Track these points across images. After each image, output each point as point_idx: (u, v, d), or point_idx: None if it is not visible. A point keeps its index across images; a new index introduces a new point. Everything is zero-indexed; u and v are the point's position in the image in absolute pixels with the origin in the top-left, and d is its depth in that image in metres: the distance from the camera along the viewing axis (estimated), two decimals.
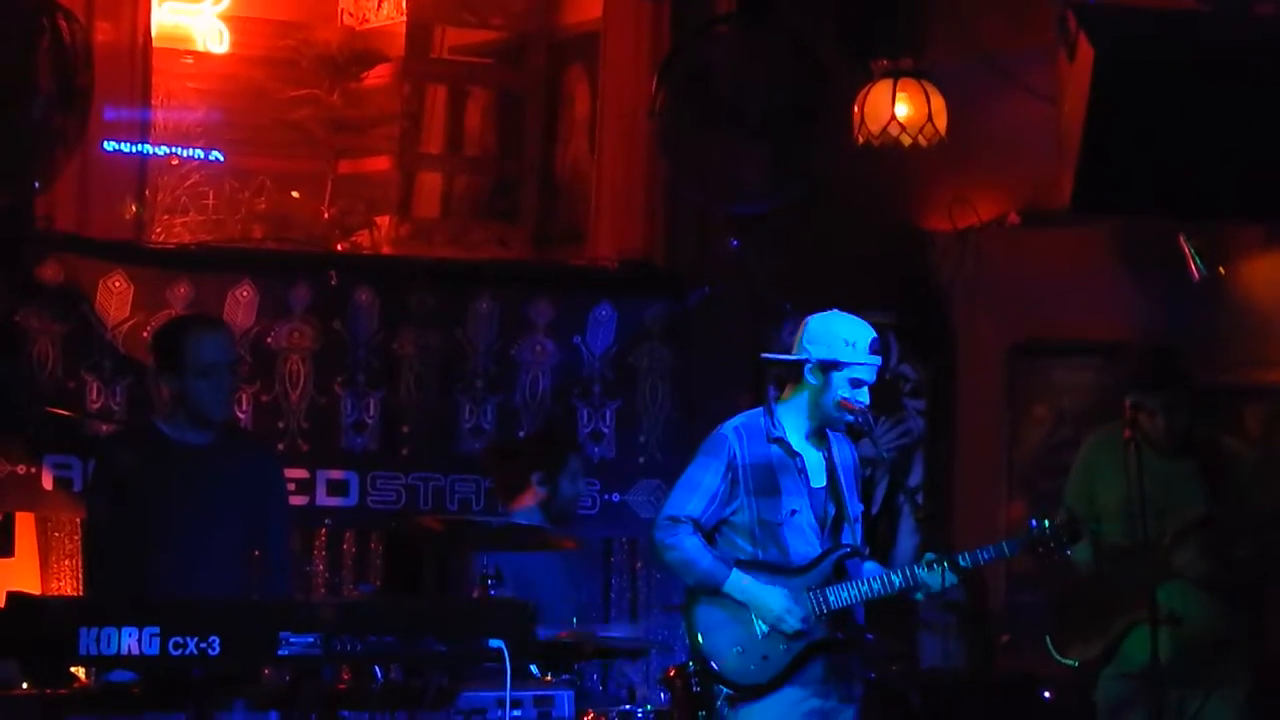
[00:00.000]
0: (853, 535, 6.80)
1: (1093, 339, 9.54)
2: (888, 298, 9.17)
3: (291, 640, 5.52)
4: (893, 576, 6.73)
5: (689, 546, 6.72)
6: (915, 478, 9.96)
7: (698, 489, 6.77)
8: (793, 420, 6.83)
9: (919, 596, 6.84)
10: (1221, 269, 8.65)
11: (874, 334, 6.78)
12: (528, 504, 8.13)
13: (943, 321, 10.03)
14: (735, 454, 6.77)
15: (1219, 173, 7.55)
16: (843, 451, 6.88)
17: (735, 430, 6.84)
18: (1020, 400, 9.84)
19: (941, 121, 9.15)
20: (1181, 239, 8.38)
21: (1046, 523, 6.94)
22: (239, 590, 6.73)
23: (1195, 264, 8.40)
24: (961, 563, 6.71)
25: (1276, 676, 7.82)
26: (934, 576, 6.67)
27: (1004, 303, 9.80)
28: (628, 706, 7.27)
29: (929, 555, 6.71)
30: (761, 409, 6.91)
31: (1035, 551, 6.94)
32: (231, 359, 6.91)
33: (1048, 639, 7.79)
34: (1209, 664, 7.57)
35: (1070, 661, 7.77)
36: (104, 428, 8.28)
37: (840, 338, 6.73)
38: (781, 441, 6.80)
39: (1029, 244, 9.67)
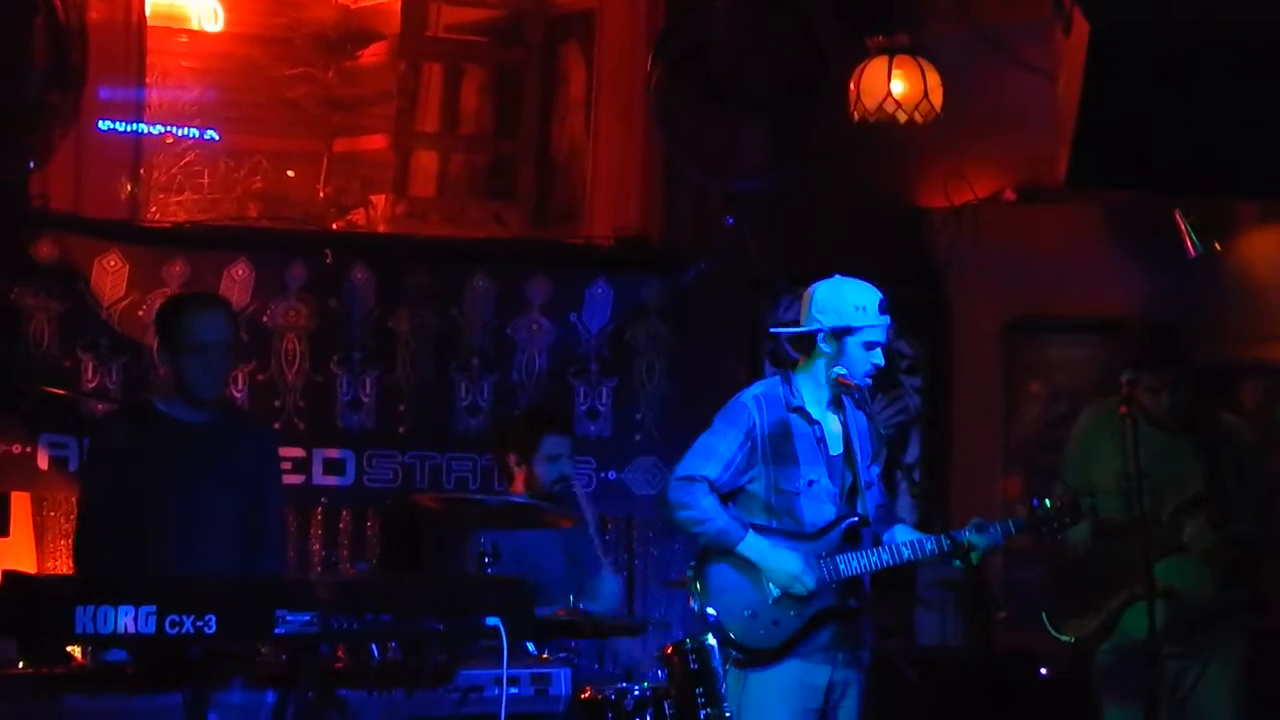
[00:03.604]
0: (864, 504, 6.80)
1: (1089, 315, 9.55)
2: (884, 274, 9.12)
3: (288, 618, 5.50)
4: (902, 549, 6.75)
5: (705, 505, 6.73)
6: (912, 454, 9.96)
7: (714, 455, 6.78)
8: (810, 389, 6.84)
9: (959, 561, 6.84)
10: (1218, 245, 8.65)
11: (880, 295, 6.80)
12: (519, 487, 8.11)
13: (939, 298, 10.03)
14: (754, 423, 6.78)
15: (1215, 148, 7.52)
16: (858, 416, 6.89)
17: (755, 399, 6.84)
18: (1016, 377, 9.85)
19: (937, 98, 9.14)
20: (1178, 215, 8.38)
21: (1048, 503, 6.95)
22: (235, 568, 6.73)
23: (1191, 240, 8.40)
24: (971, 538, 6.74)
25: (1273, 649, 7.82)
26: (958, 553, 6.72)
27: (1000, 279, 9.80)
28: (625, 684, 7.27)
29: (944, 538, 6.72)
30: (779, 377, 6.92)
31: (1038, 531, 6.96)
32: (226, 339, 6.87)
33: (1043, 615, 7.79)
34: (1206, 638, 7.58)
35: (1066, 637, 7.77)
36: (99, 406, 8.27)
37: (850, 303, 6.76)
38: (801, 410, 6.81)
39: (1025, 220, 9.68)
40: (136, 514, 6.71)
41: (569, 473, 8.20)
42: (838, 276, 6.86)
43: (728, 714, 6.83)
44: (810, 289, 6.88)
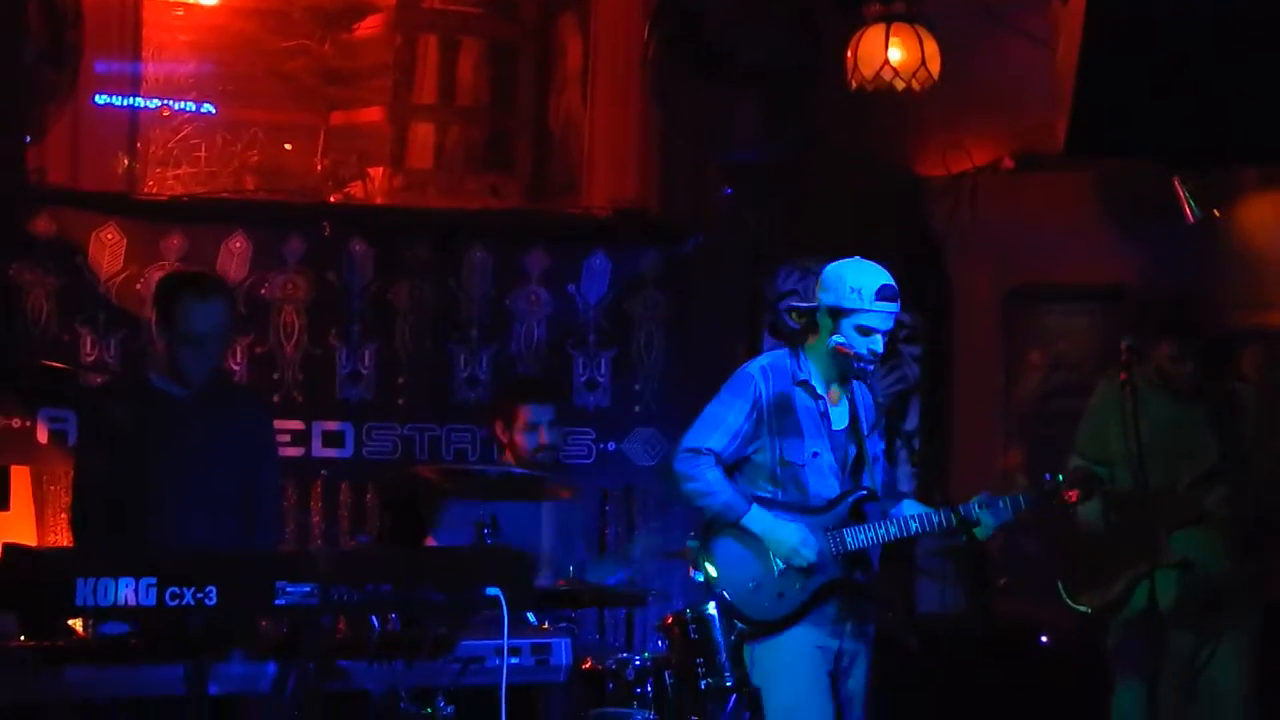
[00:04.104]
0: (871, 478, 6.82)
1: (1088, 284, 9.53)
2: (882, 243, 9.12)
3: (289, 590, 5.50)
4: (910, 522, 6.77)
5: (710, 478, 6.75)
6: (911, 422, 9.95)
7: (720, 425, 6.79)
8: (817, 364, 6.86)
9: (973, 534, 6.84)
10: (1216, 212, 8.62)
11: (886, 280, 6.77)
12: (510, 458, 8.09)
13: (938, 267, 10.01)
14: (760, 394, 6.80)
15: (1213, 115, 7.52)
16: (863, 392, 6.90)
17: (762, 370, 6.86)
18: (1016, 346, 9.83)
19: (935, 65, 9.10)
20: (1176, 182, 8.35)
21: (1060, 477, 6.94)
22: (231, 541, 6.72)
23: (1190, 207, 8.37)
24: (979, 514, 6.74)
25: None
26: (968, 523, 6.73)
27: (999, 248, 9.78)
28: (625, 654, 7.27)
29: (951, 513, 6.72)
30: (788, 349, 6.93)
31: (1048, 505, 6.95)
32: (221, 329, 6.86)
33: (1060, 584, 7.78)
34: (1218, 610, 7.58)
35: (1083, 608, 7.76)
36: (98, 380, 8.27)
37: (848, 285, 6.75)
38: (806, 384, 6.83)
39: (1023, 189, 9.66)
40: (131, 489, 6.70)
41: (554, 442, 8.14)
42: (855, 258, 6.86)
43: (728, 683, 6.83)
44: (825, 266, 6.88)
